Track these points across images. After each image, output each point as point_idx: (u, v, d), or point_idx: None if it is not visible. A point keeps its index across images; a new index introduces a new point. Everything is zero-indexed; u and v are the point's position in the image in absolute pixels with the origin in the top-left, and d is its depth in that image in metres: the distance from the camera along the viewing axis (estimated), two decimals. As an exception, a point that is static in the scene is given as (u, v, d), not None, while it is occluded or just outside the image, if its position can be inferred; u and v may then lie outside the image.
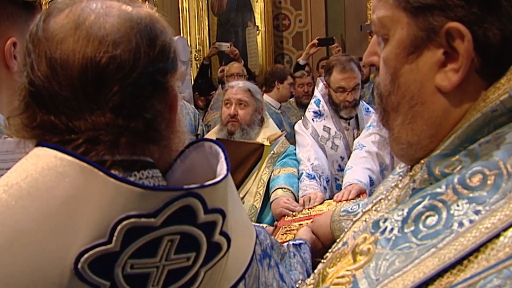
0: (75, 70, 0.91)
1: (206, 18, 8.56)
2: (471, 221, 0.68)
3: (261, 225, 2.93)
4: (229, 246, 0.97)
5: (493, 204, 0.67)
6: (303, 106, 5.69)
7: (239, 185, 2.61)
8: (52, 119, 0.93)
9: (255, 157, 2.62)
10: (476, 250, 0.66)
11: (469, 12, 0.77)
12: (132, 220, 0.84)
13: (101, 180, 0.84)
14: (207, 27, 8.57)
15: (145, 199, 0.85)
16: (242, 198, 3.15)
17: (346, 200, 2.74)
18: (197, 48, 8.36)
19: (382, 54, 0.89)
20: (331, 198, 2.99)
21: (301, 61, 6.43)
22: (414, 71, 0.83)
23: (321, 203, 2.89)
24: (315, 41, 6.21)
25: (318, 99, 3.56)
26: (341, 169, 3.44)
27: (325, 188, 3.22)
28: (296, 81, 5.90)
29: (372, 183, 3.03)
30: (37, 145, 0.91)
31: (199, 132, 5.00)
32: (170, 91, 1.02)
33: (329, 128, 3.49)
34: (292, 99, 5.96)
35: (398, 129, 0.89)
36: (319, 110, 3.53)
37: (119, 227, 0.83)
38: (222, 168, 0.97)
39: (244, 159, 2.62)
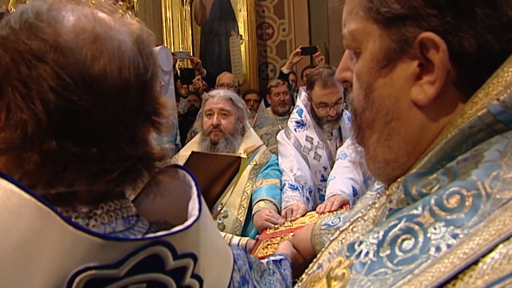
0: (114, 92, 0.83)
1: (190, 28, 8.56)
2: (448, 246, 0.63)
3: (242, 239, 2.88)
4: (201, 287, 0.91)
5: (472, 227, 0.63)
6: (280, 115, 5.73)
7: (216, 198, 2.58)
8: (76, 148, 0.82)
9: (232, 170, 2.58)
10: (454, 278, 0.61)
11: (443, 22, 0.73)
12: (92, 272, 0.76)
13: (59, 226, 0.76)
14: (190, 37, 8.57)
15: (106, 250, 0.77)
16: (223, 211, 3.10)
17: (329, 211, 2.71)
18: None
19: (354, 69, 0.85)
20: (314, 209, 2.96)
21: (285, 70, 6.42)
22: (388, 85, 0.79)
23: (303, 215, 2.86)
24: (298, 50, 6.20)
25: (301, 109, 3.53)
26: (324, 180, 3.40)
27: (308, 199, 3.18)
28: (271, 90, 5.90)
29: (355, 193, 3.00)
30: None
31: (177, 142, 4.96)
32: (161, 111, 0.97)
33: (312, 138, 3.46)
34: (268, 108, 5.96)
35: (373, 147, 0.84)
36: (302, 120, 3.50)
37: (77, 279, 0.76)
38: (194, 208, 0.91)
39: (221, 173, 2.58)
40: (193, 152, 2.55)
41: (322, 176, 3.44)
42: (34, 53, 0.81)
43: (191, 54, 8.36)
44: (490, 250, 0.60)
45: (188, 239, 0.87)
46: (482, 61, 0.73)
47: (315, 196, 3.39)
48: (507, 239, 0.60)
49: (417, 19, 0.74)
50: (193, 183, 0.96)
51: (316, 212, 2.81)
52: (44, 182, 0.81)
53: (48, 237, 0.75)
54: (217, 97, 3.36)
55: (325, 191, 3.16)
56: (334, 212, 2.65)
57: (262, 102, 6.30)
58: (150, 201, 0.99)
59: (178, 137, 5.17)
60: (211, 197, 2.61)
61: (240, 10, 8.39)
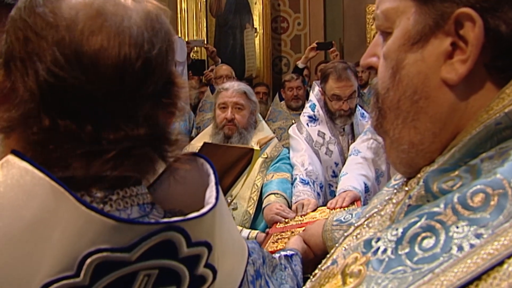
0: (109, 69, 0.81)
1: (205, 19, 8.56)
2: (471, 246, 0.62)
3: (252, 232, 2.88)
4: (214, 277, 0.90)
5: (497, 227, 0.61)
6: (293, 110, 5.75)
7: (227, 189, 2.57)
8: (71, 125, 0.80)
9: (244, 162, 2.57)
10: (477, 279, 0.59)
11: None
12: (103, 254, 0.75)
13: (72, 206, 0.74)
14: (205, 28, 8.57)
15: (118, 233, 0.76)
16: (233, 203, 3.09)
17: (340, 207, 2.70)
18: (195, 49, 8.33)
19: (383, 50, 0.83)
20: (324, 204, 2.95)
21: (300, 64, 6.41)
22: (419, 62, 0.77)
23: (314, 210, 2.85)
24: (314, 45, 6.18)
25: (314, 104, 3.52)
26: (335, 175, 3.40)
27: (318, 194, 3.17)
28: (285, 84, 5.92)
29: (367, 190, 2.99)
30: (12, 152, 0.79)
31: (193, 134, 4.95)
32: (179, 95, 0.94)
33: (324, 133, 3.45)
34: (282, 102, 5.97)
35: (399, 129, 0.82)
36: (314, 115, 3.49)
37: (88, 261, 0.74)
38: (211, 196, 0.89)
39: (233, 164, 2.57)
40: (205, 143, 2.54)
41: (333, 171, 3.44)
42: (32, 29, 0.80)
43: (206, 45, 8.38)
44: None
45: (203, 227, 0.85)
46: None
47: (326, 192, 3.39)
48: None
49: None
50: (211, 171, 0.94)
51: (327, 208, 2.79)
52: (40, 161, 0.79)
53: (61, 217, 0.74)
54: (231, 90, 3.32)
55: (335, 187, 3.16)
56: (346, 208, 2.64)
57: (277, 96, 6.31)
58: (166, 188, 0.97)
59: (194, 130, 5.15)
60: (222, 188, 2.60)
61: (255, 3, 8.38)
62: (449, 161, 0.74)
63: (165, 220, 0.80)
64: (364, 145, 3.16)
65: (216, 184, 0.92)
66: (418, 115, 0.79)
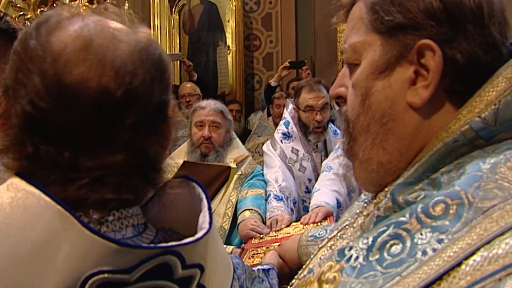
0: (88, 99, 0.84)
1: (178, 36, 8.55)
2: (434, 250, 0.69)
3: (227, 247, 2.91)
4: None
5: (455, 233, 0.69)
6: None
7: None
8: (51, 152, 0.84)
9: (222, 179, 2.62)
10: (439, 278, 0.67)
11: (439, 32, 0.81)
12: (104, 275, 0.80)
13: (77, 230, 0.79)
14: (178, 45, 8.56)
15: (120, 256, 0.81)
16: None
17: (313, 222, 2.74)
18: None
19: (351, 80, 0.91)
20: (298, 220, 2.99)
21: (273, 83, 6.47)
22: (387, 88, 0.86)
23: (288, 226, 2.89)
24: (286, 63, 6.25)
25: (288, 121, 3.58)
26: (308, 191, 3.44)
27: (292, 210, 3.22)
28: (274, 101, 5.95)
29: (339, 205, 3.04)
30: (16, 174, 0.84)
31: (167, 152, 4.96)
32: (170, 125, 0.99)
33: (297, 150, 3.50)
34: (270, 118, 6.01)
35: (368, 150, 0.90)
36: (288, 132, 3.55)
37: (90, 281, 0.79)
38: (204, 221, 0.95)
39: (211, 181, 2.62)
40: (185, 162, 2.58)
41: (307, 187, 3.49)
42: (24, 62, 0.85)
43: (178, 62, 8.38)
44: (472, 253, 0.66)
45: (197, 251, 0.90)
46: (471, 72, 0.81)
47: (299, 207, 3.43)
48: (487, 243, 0.66)
49: (417, 28, 0.82)
50: (203, 196, 1.00)
51: (301, 223, 2.83)
52: None
53: (65, 240, 0.78)
54: (208, 108, 3.38)
55: (309, 203, 3.20)
56: (320, 224, 2.68)
57: (265, 111, 6.36)
58: (158, 209, 1.03)
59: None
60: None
61: (228, 21, 8.41)
62: (413, 175, 0.81)
63: (163, 245, 0.85)
64: (336, 161, 3.21)
65: (209, 209, 0.97)
66: (387, 136, 0.87)
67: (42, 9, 5.24)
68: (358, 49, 0.90)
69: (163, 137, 0.98)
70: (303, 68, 6.27)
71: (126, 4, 6.81)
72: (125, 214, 0.93)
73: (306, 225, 2.75)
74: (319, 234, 2.00)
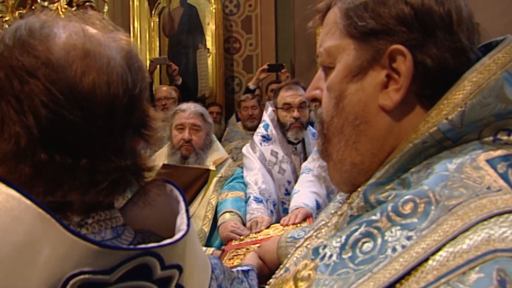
0: (101, 106, 0.87)
1: (158, 39, 8.54)
2: (403, 247, 0.72)
3: (208, 249, 2.93)
4: None
5: (423, 230, 0.72)
6: (249, 129, 5.76)
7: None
8: (68, 160, 0.85)
9: (201, 182, 2.64)
10: (408, 274, 0.70)
11: (411, 37, 0.84)
12: (85, 276, 0.81)
13: (58, 232, 0.80)
14: (158, 48, 8.54)
15: (101, 257, 0.82)
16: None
17: (293, 224, 2.77)
18: (148, 68, 8.34)
19: (326, 83, 0.94)
20: (277, 221, 3.02)
21: (251, 85, 6.48)
22: (360, 91, 0.89)
23: (268, 227, 2.91)
24: (265, 66, 6.26)
25: (267, 124, 3.60)
26: (288, 193, 3.47)
27: (272, 211, 3.24)
28: (241, 104, 5.97)
29: (318, 206, 3.06)
30: None
31: (147, 154, 4.96)
32: (154, 127, 1.01)
33: (277, 153, 3.53)
34: (239, 123, 6.02)
35: (341, 151, 0.93)
36: (267, 134, 3.57)
37: (71, 282, 0.80)
38: (182, 223, 0.96)
39: (191, 184, 2.64)
40: (164, 164, 2.59)
41: (286, 189, 3.51)
42: (26, 69, 0.84)
43: (158, 66, 8.38)
44: (439, 249, 0.69)
45: (176, 252, 0.92)
46: (440, 76, 0.84)
47: (279, 209, 3.45)
48: (453, 239, 0.69)
49: (389, 33, 0.85)
50: (181, 198, 1.02)
51: (280, 225, 2.86)
52: (38, 192, 0.84)
53: (47, 242, 0.79)
54: (189, 111, 3.40)
55: (288, 205, 3.22)
56: (299, 225, 2.70)
57: (234, 116, 6.36)
58: (137, 210, 1.04)
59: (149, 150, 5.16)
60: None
61: (208, 24, 8.41)
62: (384, 176, 0.85)
63: (142, 246, 0.86)
64: (315, 163, 3.24)
65: (187, 211, 0.99)
66: (359, 137, 0.90)
67: (20, 11, 5.21)
68: (333, 53, 0.93)
69: (150, 138, 1.00)
70: (283, 71, 6.29)
71: (106, 7, 6.78)
72: (104, 216, 0.95)
73: (286, 227, 2.77)
74: (298, 235, 2.02)
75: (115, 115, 0.89)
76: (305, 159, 3.51)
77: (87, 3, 6.13)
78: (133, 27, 8.25)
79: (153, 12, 8.47)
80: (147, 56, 8.39)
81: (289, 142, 3.56)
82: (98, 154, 0.88)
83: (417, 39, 0.84)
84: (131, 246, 0.91)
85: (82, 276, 0.81)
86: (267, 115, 3.63)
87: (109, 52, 0.90)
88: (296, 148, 3.58)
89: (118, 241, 0.96)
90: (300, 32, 8.24)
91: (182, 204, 1.01)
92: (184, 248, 0.95)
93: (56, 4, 6.20)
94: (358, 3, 0.89)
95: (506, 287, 0.61)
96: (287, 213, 3.06)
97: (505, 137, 0.80)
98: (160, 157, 3.42)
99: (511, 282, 0.62)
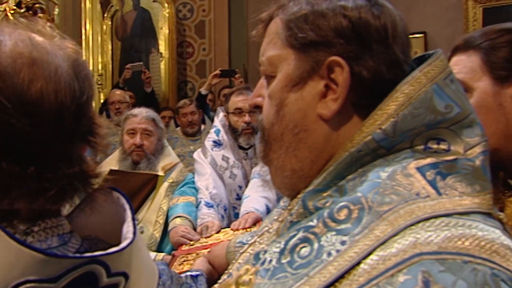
0: (49, 114, 0.86)
1: (110, 42, 8.45)
2: (338, 251, 0.76)
3: (158, 255, 2.92)
4: None
5: (357, 235, 0.76)
6: (189, 136, 5.73)
7: (133, 214, 2.61)
8: (15, 168, 0.85)
9: (149, 187, 2.64)
10: (341, 277, 0.74)
11: (348, 50, 0.88)
12: (31, 284, 0.81)
13: (3, 241, 0.80)
14: (110, 52, 8.45)
15: (46, 265, 0.82)
16: (140, 227, 3.12)
17: (243, 228, 2.80)
18: (99, 72, 8.23)
19: (268, 91, 0.96)
20: (229, 226, 3.03)
21: (203, 91, 6.47)
22: (299, 100, 0.92)
23: (218, 232, 2.93)
24: (217, 72, 6.27)
25: (218, 129, 3.61)
26: (239, 198, 3.48)
27: (222, 216, 3.25)
28: (179, 110, 5.91)
29: (268, 211, 3.07)
30: None
31: (98, 159, 4.90)
32: (101, 133, 1.02)
33: (228, 158, 3.54)
34: (178, 129, 5.98)
35: (282, 158, 0.96)
36: (219, 140, 3.58)
37: None
38: (128, 231, 0.98)
39: (139, 189, 2.63)
40: (111, 170, 2.57)
41: (237, 194, 3.53)
42: None
43: (110, 69, 8.29)
44: (370, 253, 0.73)
45: (122, 259, 0.93)
46: (376, 88, 0.88)
47: (230, 214, 3.47)
48: (383, 243, 0.73)
49: (328, 45, 0.89)
50: (127, 206, 1.03)
51: (231, 229, 2.88)
52: None
53: None
54: (140, 116, 3.38)
55: (239, 209, 3.24)
56: (249, 230, 2.73)
57: (172, 122, 6.34)
58: (84, 217, 1.04)
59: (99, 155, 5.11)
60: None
61: (161, 28, 8.37)
62: (321, 183, 0.88)
63: (88, 254, 0.87)
64: (266, 168, 3.25)
65: (133, 219, 1.00)
66: (299, 145, 0.93)
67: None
68: (274, 62, 0.95)
69: (96, 145, 1.01)
70: (236, 76, 6.31)
71: (56, 9, 6.67)
72: (50, 224, 0.95)
73: (236, 231, 2.80)
74: (246, 240, 2.04)
75: (63, 122, 0.89)
76: (256, 164, 3.54)
77: (37, 5, 6.03)
78: (85, 30, 8.15)
79: (105, 15, 8.39)
80: (99, 60, 8.30)
81: (240, 147, 3.57)
82: (46, 161, 0.89)
83: (354, 51, 0.88)
84: (77, 254, 0.92)
85: (28, 285, 0.81)
86: (219, 121, 3.64)
87: (56, 60, 0.90)
88: (247, 154, 3.60)
89: (65, 249, 0.96)
90: (254, 37, 8.26)
91: (129, 212, 1.02)
92: (130, 255, 0.96)
93: (4, 5, 6.08)
94: (299, 15, 0.92)
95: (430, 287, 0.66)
96: (238, 218, 3.08)
97: (435, 146, 0.84)
98: (111, 162, 3.39)
99: (434, 282, 0.66)
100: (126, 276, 0.94)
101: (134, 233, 0.97)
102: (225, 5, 8.46)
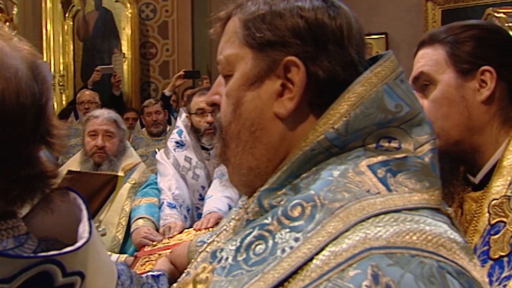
0: (12, 116, 0.87)
1: (72, 43, 8.34)
2: (291, 248, 0.77)
3: (121, 256, 2.90)
4: None
5: (309, 232, 0.78)
6: (154, 135, 5.74)
7: (93, 216, 2.58)
8: None
9: (109, 188, 2.62)
10: (295, 272, 0.75)
11: (304, 50, 0.90)
12: None
13: None
14: (72, 52, 8.35)
15: (1, 265, 0.83)
16: (102, 229, 3.09)
17: (205, 228, 2.80)
18: (61, 73, 8.12)
19: (225, 89, 0.98)
20: (192, 227, 3.04)
21: (167, 92, 6.47)
22: (256, 99, 0.93)
23: (181, 232, 2.93)
24: (181, 73, 6.26)
25: (181, 130, 3.60)
26: (202, 198, 3.47)
27: (185, 217, 3.25)
28: (144, 110, 5.93)
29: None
30: None
31: (59, 161, 4.85)
32: (58, 134, 1.01)
33: (191, 158, 3.53)
34: (143, 129, 5.98)
35: (239, 156, 0.97)
36: (181, 140, 3.57)
37: None
38: (84, 231, 0.97)
39: (99, 190, 2.61)
40: (69, 171, 2.55)
41: (200, 195, 3.52)
42: None
43: (72, 70, 8.19)
44: (322, 249, 0.75)
45: (77, 259, 0.93)
46: (331, 88, 0.90)
47: (193, 214, 3.46)
48: (335, 239, 0.75)
49: (285, 45, 0.90)
50: (83, 207, 1.03)
51: (193, 229, 2.89)
52: None
53: None
54: (102, 118, 3.37)
55: (202, 210, 3.25)
56: (212, 230, 2.74)
57: (138, 123, 6.31)
58: (41, 218, 1.04)
59: (61, 156, 5.07)
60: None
61: (124, 28, 8.31)
62: (276, 182, 0.90)
63: (43, 254, 0.87)
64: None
65: (89, 219, 1.00)
66: (255, 143, 0.94)
67: None
68: (232, 61, 0.96)
69: (55, 146, 1.00)
70: (204, 77, 6.32)
71: (15, 9, 6.55)
72: (5, 225, 0.94)
73: (199, 231, 2.80)
74: (207, 239, 2.04)
75: (24, 124, 0.89)
76: (219, 164, 3.53)
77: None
78: (46, 30, 8.03)
79: (66, 15, 8.28)
80: (61, 60, 8.19)
81: (203, 148, 3.57)
82: (8, 162, 0.89)
83: (310, 52, 0.90)
84: (31, 254, 0.92)
85: None
86: (181, 121, 3.63)
87: (15, 62, 0.90)
88: (210, 154, 3.61)
89: (21, 250, 0.95)
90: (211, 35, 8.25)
91: (85, 212, 1.02)
92: (86, 255, 0.96)
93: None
94: (256, 15, 0.93)
95: (379, 281, 0.68)
96: (201, 217, 3.09)
97: (386, 144, 0.87)
98: (73, 164, 3.36)
99: (383, 275, 0.69)
100: (82, 275, 0.94)
101: (90, 232, 0.97)
102: (188, 6, 8.44)
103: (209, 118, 3.44)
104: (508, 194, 1.35)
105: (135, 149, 5.25)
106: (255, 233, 0.84)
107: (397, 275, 0.69)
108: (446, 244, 0.75)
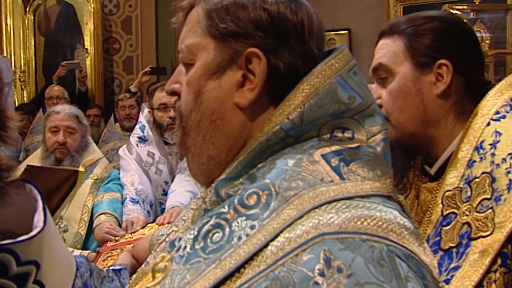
0: None
1: (33, 38, 8.20)
2: (247, 235, 0.80)
3: (83, 252, 2.89)
4: None
5: (265, 219, 0.80)
6: (127, 130, 5.68)
7: (53, 211, 2.57)
8: None
9: (69, 183, 2.61)
10: (250, 259, 0.77)
11: (266, 42, 0.91)
12: None
13: None
14: (33, 47, 8.21)
15: None
16: (64, 225, 3.07)
17: (168, 222, 2.80)
18: (22, 68, 7.98)
19: (186, 78, 0.99)
20: (154, 221, 3.04)
21: (133, 88, 6.45)
22: (217, 89, 0.95)
23: (143, 227, 2.94)
24: (147, 69, 6.25)
25: (143, 125, 3.60)
26: (165, 193, 3.48)
27: (148, 212, 3.26)
28: (118, 103, 5.92)
29: (194, 205, 3.10)
30: None
31: (20, 158, 4.79)
32: (12, 126, 1.02)
33: (153, 154, 3.53)
34: (117, 124, 5.95)
35: (199, 145, 0.98)
36: (144, 136, 3.57)
37: None
38: (39, 220, 0.98)
39: (59, 186, 2.59)
40: (28, 166, 2.53)
41: (163, 190, 3.53)
42: None
43: (34, 65, 8.06)
44: (277, 236, 0.77)
45: (32, 248, 0.93)
46: (291, 80, 0.92)
47: (157, 209, 3.47)
48: (289, 226, 0.78)
49: (247, 37, 0.92)
50: (39, 197, 1.03)
51: (156, 224, 2.90)
52: None
53: None
54: (63, 113, 3.34)
55: (166, 204, 3.26)
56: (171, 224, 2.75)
57: (112, 117, 6.26)
58: None
59: (22, 153, 5.01)
60: (49, 210, 2.60)
61: (86, 23, 8.21)
62: (233, 172, 0.91)
63: None
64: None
65: (44, 209, 1.01)
66: (215, 132, 0.96)
67: None
68: (194, 50, 0.97)
69: (7, 138, 1.00)
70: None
71: (-26, 3, 6.41)
72: None
73: (161, 226, 2.80)
74: (168, 232, 2.06)
75: None
76: (182, 159, 3.54)
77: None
78: (6, 24, 7.88)
79: (27, 9, 8.13)
80: (22, 56, 8.05)
81: (166, 143, 3.57)
82: None
83: (272, 44, 0.92)
84: None
85: None
86: (144, 116, 3.63)
87: None
88: (172, 149, 3.61)
89: None
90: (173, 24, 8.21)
91: (40, 202, 1.02)
92: (41, 244, 0.96)
93: None
94: (220, 6, 0.94)
95: (331, 264, 0.71)
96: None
97: (340, 134, 0.89)
98: (34, 160, 3.33)
99: (335, 259, 0.71)
100: (37, 264, 0.94)
101: (45, 222, 0.97)
102: (152, 1, 8.38)
103: (172, 113, 3.44)
104: (461, 186, 1.38)
105: (106, 143, 5.25)
106: (212, 221, 0.85)
107: (348, 258, 0.72)
108: (396, 229, 0.78)
